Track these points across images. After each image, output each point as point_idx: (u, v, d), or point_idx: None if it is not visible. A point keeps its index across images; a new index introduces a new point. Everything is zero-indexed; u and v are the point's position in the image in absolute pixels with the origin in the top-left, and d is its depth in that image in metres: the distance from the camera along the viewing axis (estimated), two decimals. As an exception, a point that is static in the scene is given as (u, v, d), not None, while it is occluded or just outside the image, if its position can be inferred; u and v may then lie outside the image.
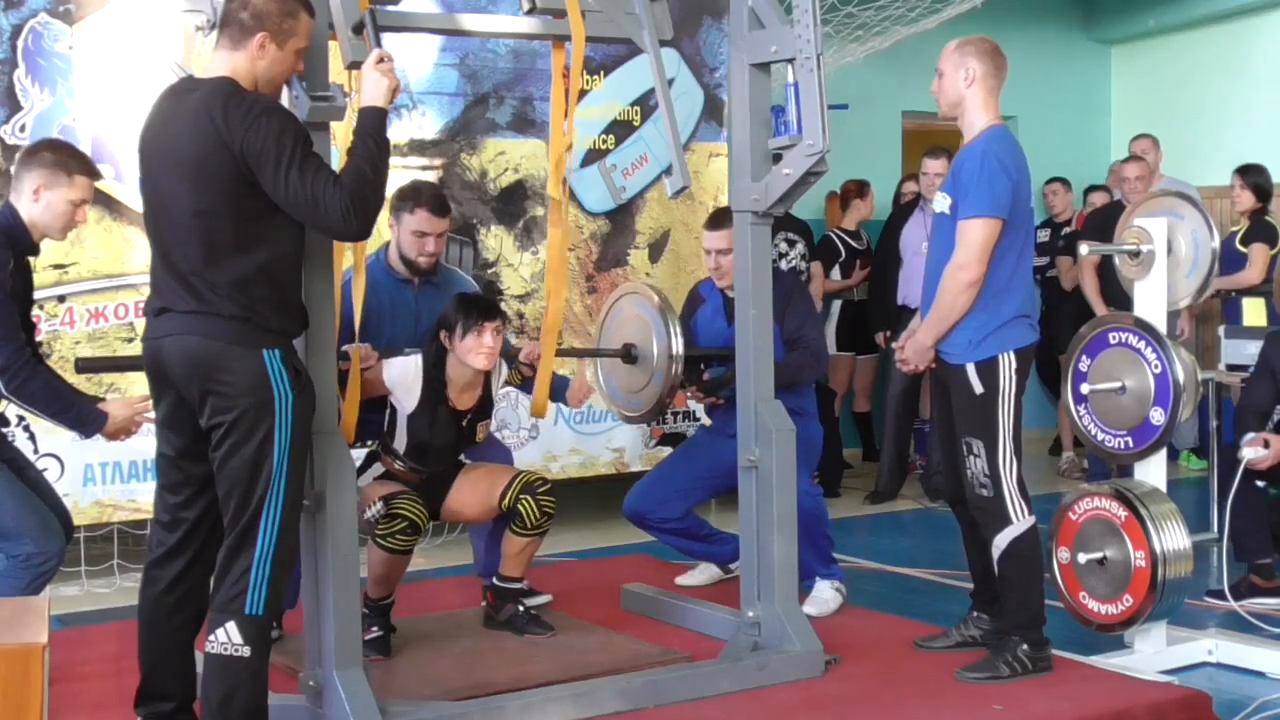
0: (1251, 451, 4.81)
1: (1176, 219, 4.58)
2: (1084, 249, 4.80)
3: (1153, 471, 4.48)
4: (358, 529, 3.65)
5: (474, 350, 4.31)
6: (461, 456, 4.60)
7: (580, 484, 6.77)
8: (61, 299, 5.61)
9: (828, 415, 7.13)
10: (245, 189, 3.20)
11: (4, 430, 4.27)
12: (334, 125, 3.59)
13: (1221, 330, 6.75)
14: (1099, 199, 8.49)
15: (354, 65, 3.51)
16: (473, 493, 4.52)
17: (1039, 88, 9.37)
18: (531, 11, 4.06)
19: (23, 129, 5.52)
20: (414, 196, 4.59)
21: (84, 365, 3.92)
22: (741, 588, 4.32)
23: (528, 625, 4.58)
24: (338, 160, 3.39)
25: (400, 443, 4.43)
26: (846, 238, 8.14)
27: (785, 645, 4.17)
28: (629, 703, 3.90)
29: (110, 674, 4.24)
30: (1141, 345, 4.37)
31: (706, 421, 5.36)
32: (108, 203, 5.62)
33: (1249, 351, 5.92)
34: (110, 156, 5.60)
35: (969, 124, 4.19)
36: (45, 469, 5.19)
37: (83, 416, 3.97)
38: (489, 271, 6.51)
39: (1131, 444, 4.43)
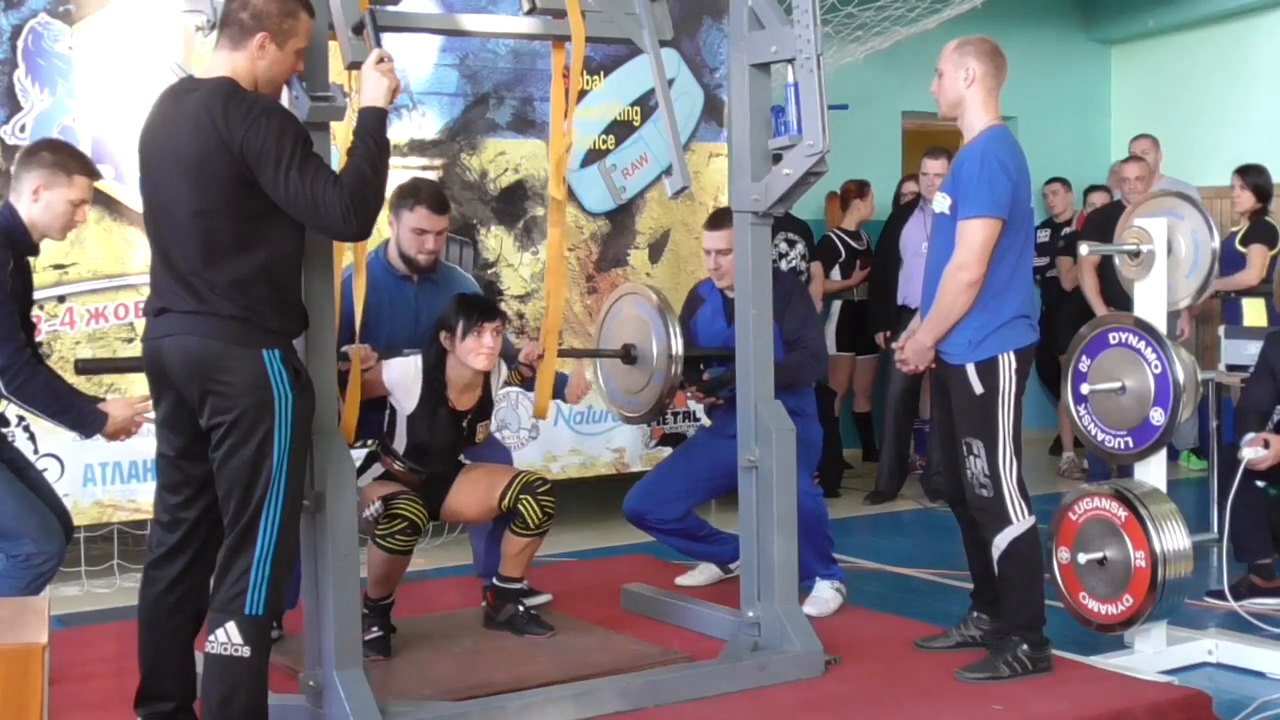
0: (1251, 452, 4.81)
1: (1176, 219, 4.58)
2: (1084, 249, 4.80)
3: (1153, 472, 4.48)
4: (358, 529, 3.65)
5: (474, 351, 4.31)
6: (461, 457, 4.60)
7: (580, 484, 6.77)
8: (61, 299, 5.61)
9: (828, 415, 7.13)
10: (245, 189, 3.20)
11: (4, 430, 4.27)
12: (334, 125, 3.59)
13: (1221, 330, 6.75)
14: (1099, 199, 8.49)
15: (354, 65, 3.51)
16: (472, 493, 4.51)
17: (1039, 88, 9.37)
18: (531, 11, 4.07)
19: (23, 129, 5.52)
20: (413, 194, 4.59)
21: (84, 367, 3.91)
22: (741, 588, 4.32)
23: (528, 625, 4.58)
24: (338, 160, 3.39)
25: (400, 443, 4.43)
26: (846, 238, 8.13)
27: (785, 645, 4.17)
28: (629, 703, 3.90)
29: (110, 674, 4.23)
30: (1141, 345, 4.37)
31: (706, 422, 5.35)
32: (108, 203, 5.62)
33: (1249, 352, 5.92)
34: (110, 156, 5.60)
35: (969, 124, 4.18)
36: (45, 469, 5.19)
37: (83, 417, 3.97)
38: (489, 272, 6.51)
39: (1131, 444, 4.43)
